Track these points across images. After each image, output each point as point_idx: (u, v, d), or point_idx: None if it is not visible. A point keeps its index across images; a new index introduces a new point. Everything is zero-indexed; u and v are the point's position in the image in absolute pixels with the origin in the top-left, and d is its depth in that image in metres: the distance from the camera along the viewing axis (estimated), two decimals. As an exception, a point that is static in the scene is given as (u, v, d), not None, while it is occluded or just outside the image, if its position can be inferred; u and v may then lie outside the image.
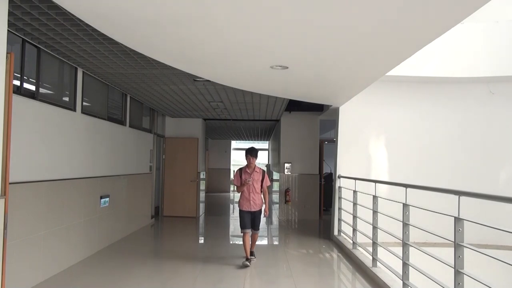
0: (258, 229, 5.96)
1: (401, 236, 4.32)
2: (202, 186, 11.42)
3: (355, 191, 6.49)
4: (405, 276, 4.20)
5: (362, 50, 4.03)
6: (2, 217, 2.89)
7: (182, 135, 10.70)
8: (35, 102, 4.56)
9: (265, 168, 21.25)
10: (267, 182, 5.84)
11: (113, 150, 6.91)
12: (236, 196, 12.52)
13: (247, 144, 24.12)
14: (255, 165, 5.83)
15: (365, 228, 5.92)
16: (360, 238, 6.24)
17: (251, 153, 5.79)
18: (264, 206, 5.93)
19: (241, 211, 5.79)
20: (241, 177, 5.78)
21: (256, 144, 23.52)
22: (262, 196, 5.85)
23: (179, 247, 7.12)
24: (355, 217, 6.35)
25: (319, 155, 10.86)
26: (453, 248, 3.25)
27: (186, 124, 10.77)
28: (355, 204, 6.41)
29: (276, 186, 14.25)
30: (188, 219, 10.15)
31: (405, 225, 4.28)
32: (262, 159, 24.11)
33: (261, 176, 5.80)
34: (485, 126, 7.83)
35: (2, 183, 2.90)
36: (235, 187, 5.94)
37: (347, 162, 7.85)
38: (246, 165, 5.85)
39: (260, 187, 5.79)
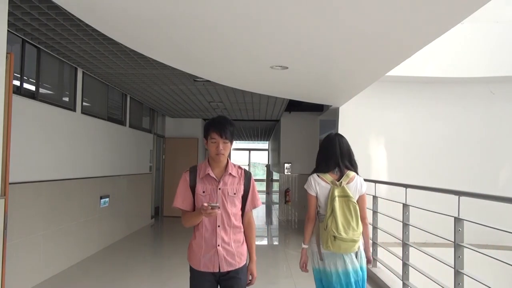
0: None
1: (401, 236, 4.32)
2: (202, 186, 11.40)
3: (355, 191, 6.47)
4: (405, 276, 4.20)
5: (362, 50, 4.03)
6: (2, 217, 2.89)
7: (182, 135, 10.70)
8: (35, 102, 4.56)
9: (264, 170, 20.82)
10: (255, 200, 2.51)
11: (113, 150, 6.91)
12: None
13: (247, 145, 23.70)
14: (228, 160, 2.47)
15: (365, 228, 5.90)
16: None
17: (221, 128, 2.35)
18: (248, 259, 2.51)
19: (193, 273, 2.42)
20: (193, 188, 2.40)
21: (256, 144, 23.30)
22: (242, 231, 2.48)
23: (179, 247, 7.11)
24: (355, 217, 6.34)
25: (319, 155, 10.84)
26: (453, 248, 3.25)
27: (186, 124, 10.77)
28: (355, 204, 6.40)
29: (276, 186, 14.25)
30: (188, 219, 10.13)
31: (405, 225, 4.28)
32: (262, 159, 23.83)
33: (242, 185, 2.45)
34: (485, 126, 7.82)
35: (2, 183, 2.90)
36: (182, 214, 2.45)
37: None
38: (207, 159, 2.46)
39: (240, 211, 2.46)
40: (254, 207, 2.53)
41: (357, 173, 2.76)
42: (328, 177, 2.69)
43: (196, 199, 2.40)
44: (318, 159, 2.83)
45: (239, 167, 2.52)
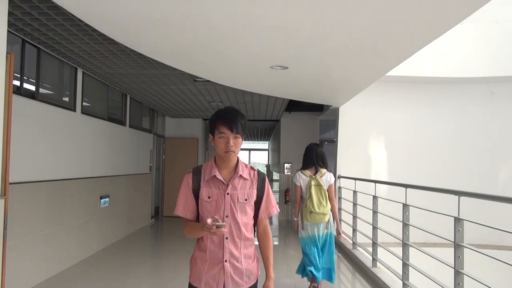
0: None
1: (401, 236, 4.32)
2: (202, 186, 11.40)
3: (355, 191, 6.48)
4: (405, 276, 4.20)
5: (362, 50, 4.03)
6: (2, 217, 2.89)
7: (182, 135, 10.70)
8: (35, 102, 4.56)
9: (264, 170, 20.90)
10: (270, 206, 2.13)
11: (113, 150, 6.91)
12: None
13: (247, 145, 23.69)
14: (239, 159, 2.08)
15: (365, 228, 5.91)
16: (360, 238, 6.23)
17: (231, 120, 1.97)
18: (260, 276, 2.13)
19: None
20: (196, 193, 2.03)
21: (256, 144, 23.28)
22: (254, 244, 2.11)
23: (179, 247, 7.11)
24: (355, 217, 6.35)
25: (319, 155, 10.86)
26: (453, 248, 3.25)
27: (186, 124, 10.77)
28: (355, 204, 6.40)
29: (276, 186, 14.24)
30: (188, 219, 10.14)
31: (405, 225, 4.28)
32: (262, 159, 23.83)
33: (255, 190, 2.06)
34: (485, 126, 7.83)
35: (2, 183, 2.90)
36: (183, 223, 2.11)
37: (347, 162, 7.85)
38: (214, 158, 2.08)
39: (252, 220, 2.10)
40: (269, 215, 2.12)
41: (329, 170, 4.26)
42: (308, 172, 4.23)
43: (200, 205, 2.02)
44: (303, 160, 4.34)
45: (251, 168, 2.11)
